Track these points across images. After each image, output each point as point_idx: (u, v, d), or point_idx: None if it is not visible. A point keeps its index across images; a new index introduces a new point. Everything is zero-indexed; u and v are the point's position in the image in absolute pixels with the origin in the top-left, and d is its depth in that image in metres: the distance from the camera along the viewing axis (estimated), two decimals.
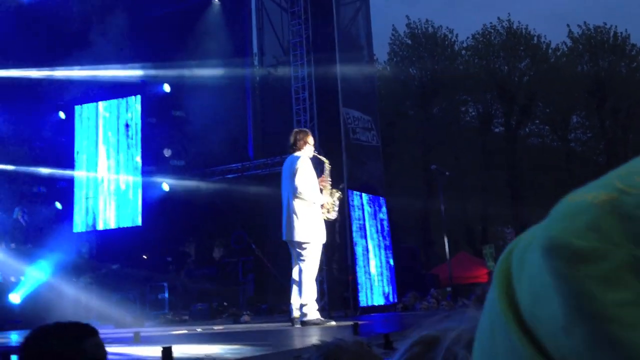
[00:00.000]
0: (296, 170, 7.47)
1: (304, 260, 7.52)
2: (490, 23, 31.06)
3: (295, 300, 7.62)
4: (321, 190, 7.81)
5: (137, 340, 5.97)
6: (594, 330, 0.39)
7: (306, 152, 7.70)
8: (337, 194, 7.98)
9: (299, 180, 7.44)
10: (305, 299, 7.45)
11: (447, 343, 0.71)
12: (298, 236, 7.49)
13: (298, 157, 7.58)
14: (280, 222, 7.82)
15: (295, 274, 7.63)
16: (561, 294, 0.41)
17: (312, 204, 7.59)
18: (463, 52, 31.42)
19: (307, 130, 8.30)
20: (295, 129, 8.09)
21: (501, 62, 30.76)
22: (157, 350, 3.89)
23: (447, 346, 0.71)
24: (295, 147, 7.69)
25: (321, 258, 10.94)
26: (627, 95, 28.76)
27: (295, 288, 7.61)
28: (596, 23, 30.92)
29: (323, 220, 7.77)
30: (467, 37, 31.58)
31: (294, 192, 7.48)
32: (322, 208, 7.77)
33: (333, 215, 7.92)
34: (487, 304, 0.48)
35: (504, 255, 0.48)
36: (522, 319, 0.43)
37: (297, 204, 7.50)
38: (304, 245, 7.52)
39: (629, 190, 0.42)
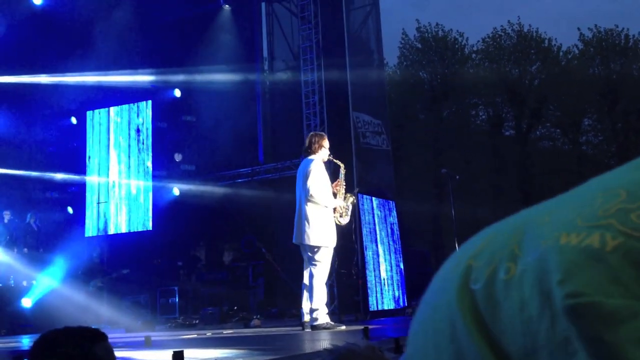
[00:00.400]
0: (309, 173, 7.44)
1: (315, 264, 7.49)
2: (501, 26, 31.00)
3: (305, 305, 7.59)
4: (335, 195, 7.78)
5: (148, 344, 5.99)
6: None
7: (321, 155, 7.67)
8: (351, 199, 7.94)
9: (311, 183, 7.40)
10: (315, 304, 7.43)
11: None
12: (309, 240, 7.44)
13: (312, 160, 7.55)
14: (291, 226, 7.81)
15: (306, 278, 7.60)
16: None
17: (324, 208, 7.55)
18: (473, 55, 31.35)
19: (323, 133, 8.25)
20: (312, 132, 8.08)
21: (512, 66, 30.66)
22: (168, 355, 3.90)
23: None
24: (310, 150, 7.65)
25: (331, 262, 10.96)
26: (638, 98, 28.58)
27: (306, 292, 7.59)
28: (607, 26, 30.77)
29: (335, 224, 7.73)
30: (478, 41, 31.53)
31: (306, 195, 7.45)
32: (334, 212, 7.73)
33: (345, 220, 7.87)
34: (435, 305, 0.45)
35: (459, 282, 0.44)
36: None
37: (309, 207, 7.46)
38: (315, 250, 7.48)
39: (635, 234, 0.39)
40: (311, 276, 7.49)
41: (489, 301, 0.42)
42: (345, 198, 7.86)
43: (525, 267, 0.42)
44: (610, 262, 0.38)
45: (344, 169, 8.07)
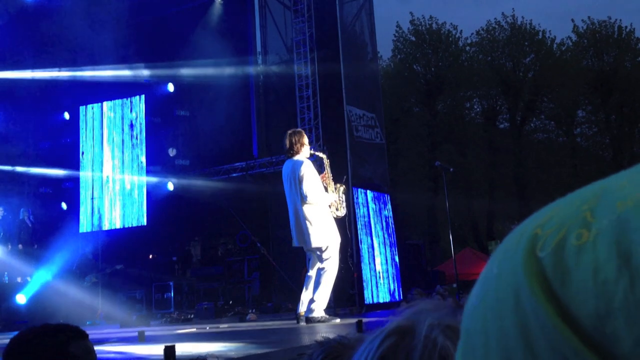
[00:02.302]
0: (302, 177, 7.33)
1: (326, 262, 7.44)
2: (495, 19, 31.03)
3: (305, 295, 7.55)
4: (326, 189, 7.76)
5: (141, 339, 5.98)
6: None
7: (305, 154, 7.58)
8: (342, 189, 7.91)
9: (306, 187, 7.30)
10: (317, 296, 7.40)
11: (424, 330, 0.70)
12: (315, 242, 7.39)
13: (301, 162, 7.44)
14: (286, 221, 7.78)
15: (313, 272, 7.55)
16: None
17: (321, 207, 7.49)
18: (467, 48, 31.36)
19: (300, 130, 8.08)
20: (289, 131, 7.78)
21: (506, 58, 30.69)
22: (160, 349, 3.89)
23: (425, 333, 0.69)
24: (293, 151, 7.52)
25: None
26: (632, 89, 28.66)
27: (308, 283, 7.54)
28: (601, 17, 30.84)
29: (334, 220, 7.69)
30: (472, 33, 31.56)
31: (302, 200, 7.36)
32: (330, 207, 7.68)
33: (342, 212, 7.84)
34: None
35: (524, 250, 0.41)
36: (582, 332, 0.37)
37: (307, 210, 7.39)
38: (323, 249, 7.44)
39: None
40: (322, 271, 7.45)
41: (558, 267, 0.39)
42: (336, 189, 7.84)
43: (600, 230, 0.39)
44: None
45: (327, 159, 8.02)
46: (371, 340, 0.71)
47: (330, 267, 7.45)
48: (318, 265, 7.51)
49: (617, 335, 0.36)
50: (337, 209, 7.75)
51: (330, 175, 7.88)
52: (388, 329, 0.71)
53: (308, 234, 7.38)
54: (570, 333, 0.38)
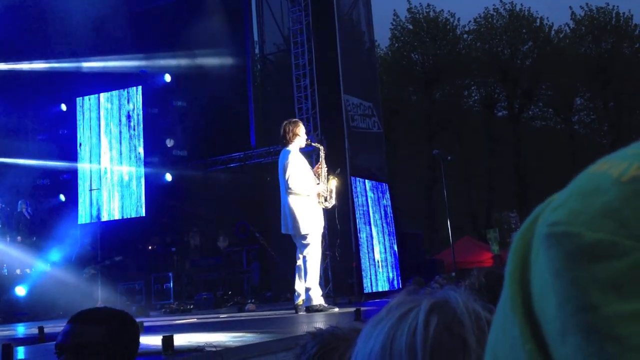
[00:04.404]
0: (286, 166, 7.51)
1: (307, 249, 7.62)
2: (493, 6, 30.91)
3: (299, 286, 7.70)
4: (318, 177, 7.82)
5: (140, 329, 5.99)
6: (589, 347, 0.31)
7: (297, 144, 7.70)
8: (333, 181, 7.98)
9: (289, 175, 7.47)
10: (309, 283, 7.57)
11: (461, 303, 0.73)
12: (296, 230, 7.58)
13: (288, 152, 7.60)
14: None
15: (300, 262, 7.74)
16: (557, 295, 0.33)
17: (306, 197, 7.62)
18: (465, 36, 31.28)
19: (297, 120, 8.23)
20: (285, 121, 7.92)
21: (504, 46, 30.61)
22: (159, 339, 3.90)
23: (463, 305, 0.72)
24: (286, 140, 7.68)
25: (325, 245, 11.00)
26: (630, 76, 28.61)
27: (300, 274, 7.69)
28: (598, 4, 30.72)
29: (321, 210, 7.81)
30: (469, 21, 31.45)
31: (286, 188, 7.53)
32: (318, 197, 7.78)
33: (330, 203, 7.92)
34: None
35: (523, 228, 0.38)
36: (531, 310, 0.35)
37: (290, 199, 7.56)
38: (305, 236, 7.61)
39: None
40: (304, 259, 7.65)
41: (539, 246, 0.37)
42: (327, 180, 7.90)
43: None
44: (617, 193, 0.32)
45: (324, 151, 8.07)
46: (406, 321, 0.71)
47: (311, 254, 7.62)
48: (300, 253, 7.70)
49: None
50: (325, 200, 7.82)
51: (325, 167, 7.94)
52: (425, 308, 0.71)
53: (290, 222, 7.57)
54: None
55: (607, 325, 0.30)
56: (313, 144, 8.15)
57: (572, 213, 0.33)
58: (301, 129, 7.78)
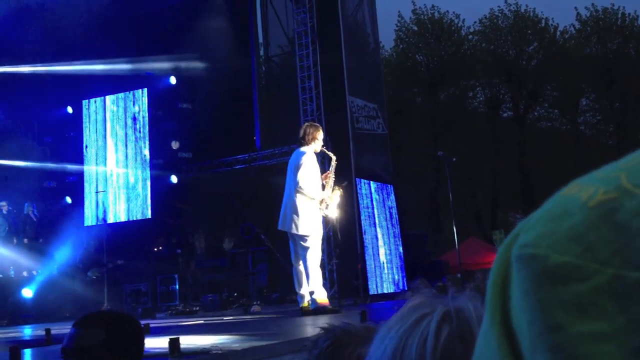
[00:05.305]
0: (300, 166, 7.61)
1: (306, 251, 7.68)
2: (498, 7, 30.83)
3: (302, 290, 7.75)
4: (323, 186, 7.88)
5: (146, 332, 6.01)
6: None
7: (313, 147, 7.81)
8: (338, 192, 8.04)
9: (301, 176, 7.58)
10: (313, 286, 7.61)
11: (473, 310, 0.71)
12: (298, 230, 7.65)
13: (304, 153, 7.71)
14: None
15: (299, 265, 7.79)
16: (527, 314, 0.34)
17: (311, 199, 7.70)
18: (470, 37, 31.21)
19: (317, 125, 8.38)
20: (307, 123, 8.19)
21: (509, 46, 30.53)
22: (165, 342, 3.92)
23: (476, 313, 0.71)
24: (304, 141, 7.80)
25: (330, 246, 11.00)
26: (636, 77, 28.50)
27: (301, 278, 7.72)
28: (604, 5, 30.61)
29: (321, 215, 7.90)
30: (474, 22, 31.37)
31: (295, 187, 7.61)
32: (320, 204, 7.86)
33: (329, 212, 7.98)
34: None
35: (506, 243, 0.39)
36: (510, 326, 0.36)
37: (298, 198, 7.65)
38: (305, 238, 7.67)
39: (634, 191, 0.33)
40: (305, 262, 7.70)
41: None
42: (332, 190, 7.96)
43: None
44: (584, 217, 0.33)
45: (335, 161, 8.14)
46: (418, 330, 0.71)
47: (310, 258, 7.68)
48: (300, 256, 7.75)
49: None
50: (326, 207, 7.88)
51: (333, 177, 8.01)
52: (438, 317, 0.71)
53: (293, 221, 7.65)
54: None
55: (572, 345, 0.32)
56: (327, 152, 8.21)
57: (541, 236, 0.35)
58: (320, 134, 7.91)
